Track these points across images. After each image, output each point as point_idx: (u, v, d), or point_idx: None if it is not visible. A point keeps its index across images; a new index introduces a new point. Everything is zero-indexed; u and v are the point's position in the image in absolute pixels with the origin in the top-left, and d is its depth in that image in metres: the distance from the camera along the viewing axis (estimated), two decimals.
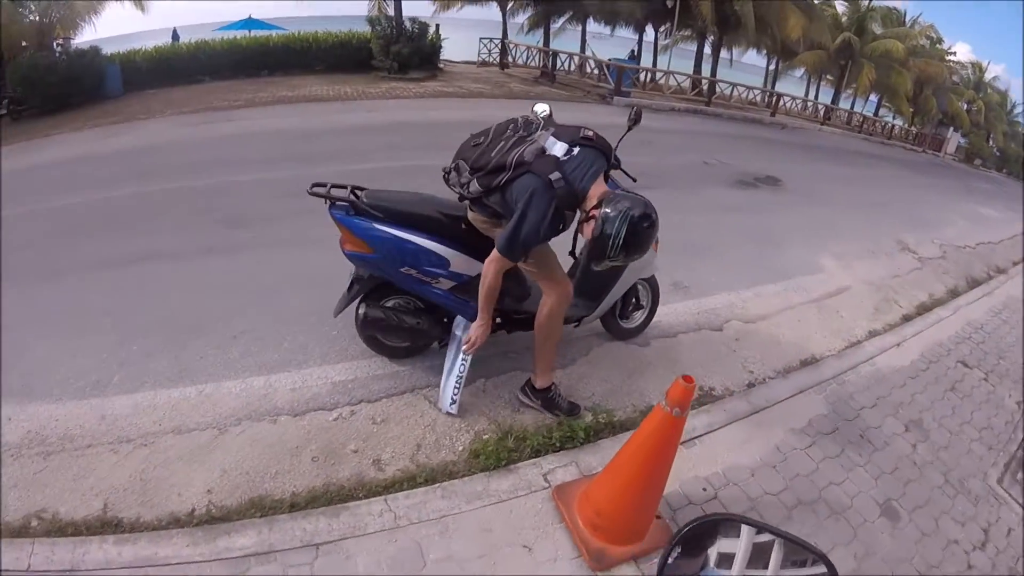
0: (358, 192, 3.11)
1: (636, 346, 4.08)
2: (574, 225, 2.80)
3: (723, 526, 1.69)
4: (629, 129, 3.14)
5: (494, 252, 2.68)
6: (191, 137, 10.10)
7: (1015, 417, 4.29)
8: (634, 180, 3.38)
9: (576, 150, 2.63)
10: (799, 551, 1.60)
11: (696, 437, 3.24)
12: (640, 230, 2.45)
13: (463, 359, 3.10)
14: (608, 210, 2.44)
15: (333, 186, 3.06)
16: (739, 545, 1.60)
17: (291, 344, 3.71)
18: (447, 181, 2.93)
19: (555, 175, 2.54)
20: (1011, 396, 4.55)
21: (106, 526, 2.41)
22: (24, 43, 15.04)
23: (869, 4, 27.94)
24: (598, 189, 2.60)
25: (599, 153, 2.71)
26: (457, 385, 3.13)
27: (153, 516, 2.46)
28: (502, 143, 2.70)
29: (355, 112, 12.17)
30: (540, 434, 3.04)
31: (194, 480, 2.65)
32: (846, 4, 28.49)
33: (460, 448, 2.98)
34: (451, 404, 3.15)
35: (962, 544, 2.98)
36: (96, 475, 2.66)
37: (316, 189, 3.03)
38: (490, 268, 2.72)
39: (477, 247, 3.02)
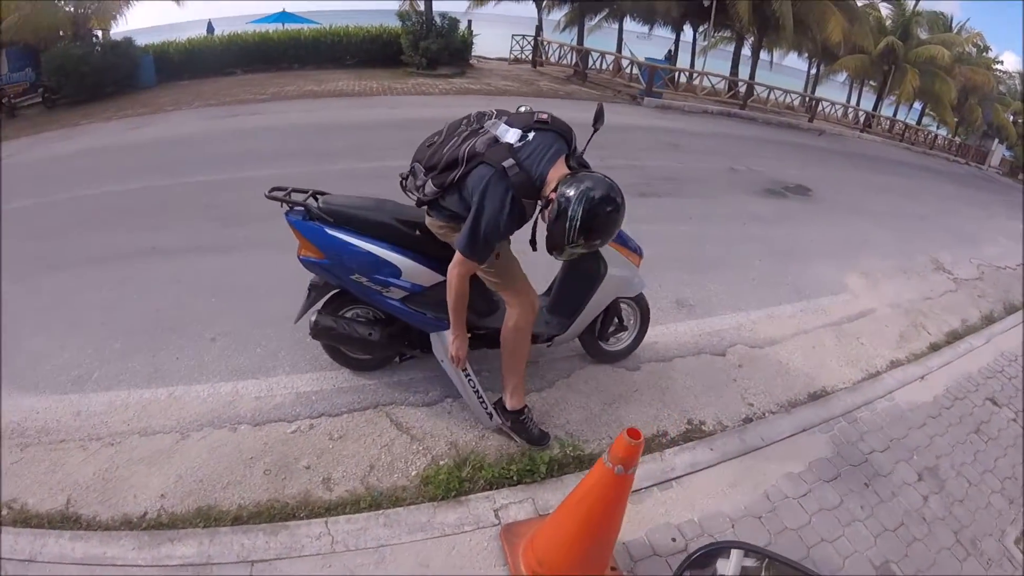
0: (319, 196, 3.03)
1: (624, 370, 3.81)
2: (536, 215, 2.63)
3: (734, 553, 1.64)
4: (596, 130, 2.90)
5: (456, 255, 2.52)
6: (213, 130, 10.29)
7: None
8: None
9: (531, 135, 2.48)
10: None
11: (675, 478, 2.96)
12: (600, 211, 2.28)
13: (464, 376, 2.96)
14: (566, 190, 2.28)
15: (294, 190, 3.01)
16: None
17: (264, 350, 3.69)
18: (403, 187, 2.79)
19: (508, 162, 2.38)
20: None
21: (66, 521, 2.47)
22: (61, 33, 15.43)
23: (915, 8, 26.97)
24: (558, 172, 2.42)
25: (557, 136, 2.53)
26: (481, 400, 3.01)
27: (109, 516, 2.50)
28: (455, 139, 2.55)
29: (377, 108, 12.17)
30: (499, 464, 2.86)
31: (151, 483, 2.67)
32: (891, 7, 27.58)
33: (413, 473, 2.83)
34: (490, 419, 3.04)
35: None
36: (64, 470, 2.72)
37: (274, 193, 2.96)
38: (454, 273, 2.56)
39: (433, 256, 2.91)
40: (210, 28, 21.46)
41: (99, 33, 16.78)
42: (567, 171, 2.42)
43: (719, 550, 1.61)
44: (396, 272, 2.91)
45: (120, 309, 4.11)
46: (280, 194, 2.95)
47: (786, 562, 1.56)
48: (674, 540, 2.60)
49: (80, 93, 14.07)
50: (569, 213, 2.25)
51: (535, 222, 2.62)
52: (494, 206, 2.37)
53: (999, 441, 3.96)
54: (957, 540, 3.02)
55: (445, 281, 2.81)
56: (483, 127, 2.56)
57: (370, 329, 3.11)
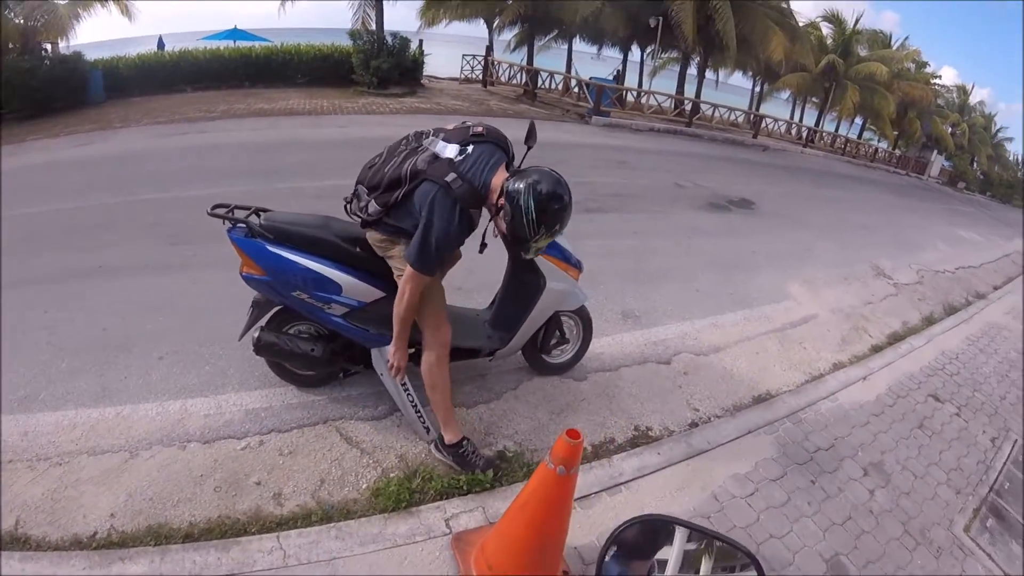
0: (261, 213, 3.03)
1: (571, 380, 3.86)
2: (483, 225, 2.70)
3: (655, 526, 1.74)
4: (529, 147, 2.99)
5: (408, 270, 2.55)
6: (162, 148, 10.09)
7: (988, 456, 4.05)
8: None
9: (470, 148, 2.56)
10: (730, 552, 1.65)
11: (623, 483, 3.01)
12: (551, 198, 2.40)
13: (401, 387, 2.98)
14: (515, 186, 2.39)
15: (236, 207, 3.02)
16: (673, 547, 1.61)
17: (212, 368, 3.64)
18: (347, 211, 2.83)
19: (451, 176, 2.45)
20: (984, 432, 4.32)
21: (15, 542, 2.41)
22: (10, 45, 15.00)
23: (854, 27, 28.27)
24: (500, 178, 2.51)
25: (494, 146, 2.63)
26: (418, 413, 3.01)
27: (58, 536, 2.45)
28: (395, 159, 2.62)
29: (327, 127, 12.09)
30: (448, 475, 2.87)
31: (100, 503, 2.62)
32: (831, 26, 28.88)
33: (364, 486, 2.82)
34: (427, 433, 3.03)
35: None
36: (12, 491, 2.66)
37: (217, 210, 2.96)
38: (407, 287, 2.59)
39: (374, 273, 2.94)
40: (161, 44, 21.10)
41: (48, 46, 16.33)
42: (508, 174, 2.51)
43: (644, 525, 1.66)
44: (337, 289, 2.91)
45: (66, 328, 4.02)
46: (222, 211, 2.95)
47: (708, 532, 1.65)
48: None
49: (28, 107, 13.64)
50: (523, 208, 2.36)
51: (484, 231, 2.68)
52: (443, 219, 2.43)
53: (943, 435, 4.14)
54: (906, 531, 3.14)
55: (385, 297, 2.90)
56: (422, 145, 2.62)
57: (312, 345, 3.10)
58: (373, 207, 2.62)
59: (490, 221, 2.63)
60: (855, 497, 3.28)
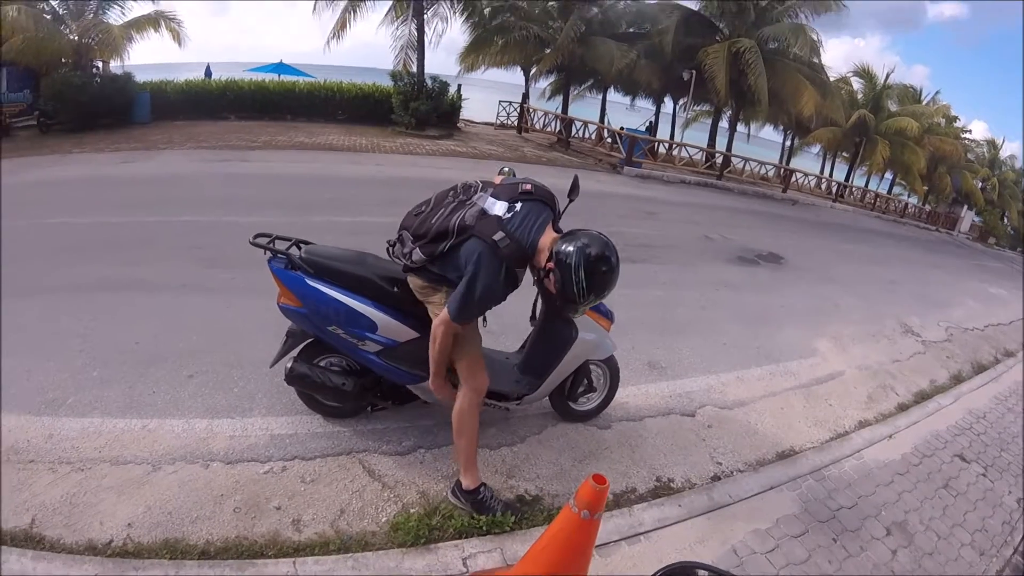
0: (301, 245, 3.12)
1: (595, 428, 3.84)
2: (527, 286, 2.74)
3: (698, 574, 1.70)
4: (571, 200, 3.05)
5: (444, 315, 2.59)
6: (203, 172, 10.40)
7: (1014, 517, 3.93)
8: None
9: (518, 206, 2.59)
10: None
11: (643, 532, 2.99)
12: (600, 265, 2.40)
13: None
14: (565, 251, 2.40)
15: (278, 238, 3.11)
16: None
17: (240, 391, 3.69)
18: (390, 253, 2.89)
19: (499, 235, 2.48)
20: (1011, 493, 4.20)
21: (29, 540, 2.45)
22: (63, 60, 15.58)
23: (885, 82, 28.31)
24: (548, 239, 2.54)
25: (542, 205, 2.66)
26: None
27: (73, 539, 2.48)
28: (442, 210, 2.65)
29: (364, 164, 12.33)
30: (468, 515, 2.86)
31: (118, 512, 2.65)
32: (862, 81, 28.93)
33: (383, 519, 2.82)
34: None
35: None
36: (31, 490, 2.71)
37: (258, 239, 3.05)
38: (439, 331, 2.64)
39: (409, 313, 2.98)
40: (208, 72, 21.87)
41: (100, 64, 17.06)
42: (556, 235, 2.54)
43: (684, 571, 1.64)
44: (373, 326, 2.97)
45: (99, 338, 4.11)
46: (264, 241, 3.04)
47: None
48: None
49: (75, 121, 14.19)
50: (573, 273, 2.36)
51: (535, 300, 2.78)
52: (488, 276, 2.47)
53: (968, 496, 4.04)
54: None
55: (419, 337, 2.94)
56: (470, 199, 2.65)
57: (344, 379, 3.14)
58: (418, 255, 2.66)
59: (535, 282, 2.67)
60: (877, 557, 3.21)
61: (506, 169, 3.22)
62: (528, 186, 2.66)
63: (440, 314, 2.62)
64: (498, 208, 2.56)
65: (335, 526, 2.74)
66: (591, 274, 2.37)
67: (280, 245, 3.08)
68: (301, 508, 2.81)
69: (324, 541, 2.64)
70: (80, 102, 14.21)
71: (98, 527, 2.55)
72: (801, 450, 4.12)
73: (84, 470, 2.87)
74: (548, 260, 2.46)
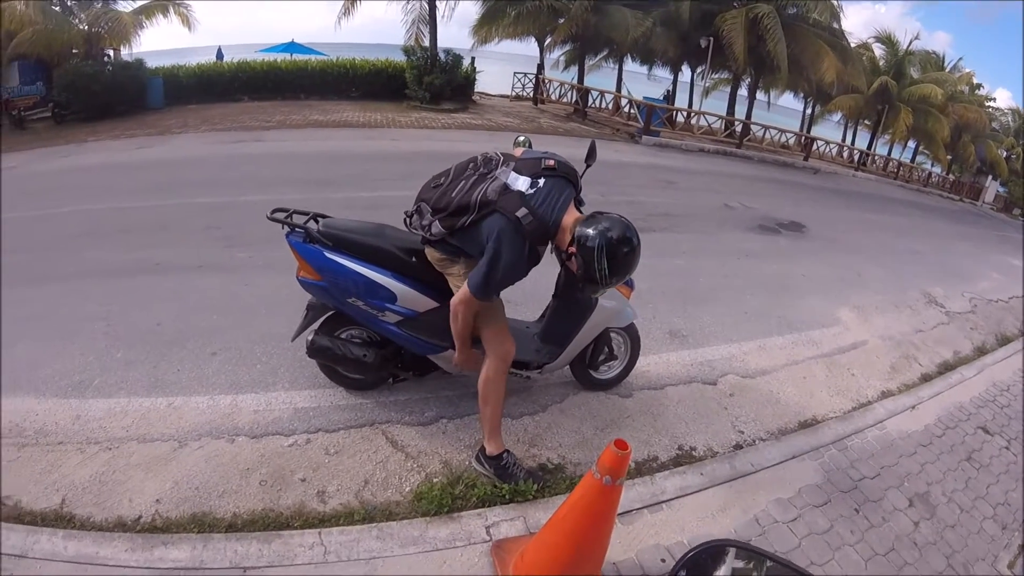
0: (319, 219, 3.11)
1: (617, 396, 3.85)
2: (551, 269, 2.75)
3: (729, 552, 1.66)
4: (588, 166, 3.02)
5: (465, 292, 2.59)
6: (218, 154, 10.45)
7: None
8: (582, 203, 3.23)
9: (541, 182, 2.55)
10: None
11: (665, 501, 2.99)
12: (621, 248, 2.38)
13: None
14: (587, 234, 2.39)
15: (295, 212, 3.10)
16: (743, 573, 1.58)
17: (263, 366, 3.73)
18: (408, 224, 2.86)
19: (522, 211, 2.45)
20: None
21: (60, 520, 2.50)
22: (75, 50, 15.70)
23: (908, 48, 27.63)
24: (571, 218, 2.51)
25: (565, 181, 2.63)
26: None
27: (103, 517, 2.52)
28: (462, 182, 2.61)
29: (380, 140, 12.34)
30: (492, 483, 2.88)
31: (146, 488, 2.69)
32: (884, 48, 28.23)
33: (407, 489, 2.86)
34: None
35: None
36: (61, 471, 2.76)
37: (276, 214, 3.04)
38: (460, 308, 2.66)
39: (428, 283, 2.98)
40: (219, 55, 21.87)
41: (111, 52, 17.11)
42: (579, 215, 2.53)
43: (716, 550, 1.63)
44: (392, 297, 2.97)
45: (122, 321, 4.18)
46: (281, 216, 3.03)
47: (783, 562, 1.59)
48: (663, 561, 2.62)
49: (89, 110, 14.33)
50: (596, 257, 2.35)
51: (558, 278, 2.80)
52: (511, 253, 2.45)
53: (991, 468, 4.00)
54: (949, 565, 3.04)
55: (439, 307, 2.95)
56: (492, 172, 2.61)
57: (365, 351, 3.15)
58: (437, 228, 2.63)
59: (561, 263, 2.68)
60: (899, 528, 3.20)
61: (521, 139, 3.19)
62: (551, 162, 2.62)
63: (461, 291, 2.62)
64: (521, 183, 2.53)
65: (360, 496, 2.78)
66: (613, 258, 2.37)
67: (297, 220, 3.07)
68: (326, 480, 2.85)
69: (349, 511, 2.67)
70: (93, 91, 14.35)
71: (127, 504, 2.60)
72: (823, 419, 4.09)
73: (112, 449, 2.92)
74: (571, 244, 2.44)
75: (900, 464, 3.76)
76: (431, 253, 2.83)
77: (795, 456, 3.59)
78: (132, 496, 2.64)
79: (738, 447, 3.60)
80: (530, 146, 3.17)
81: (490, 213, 2.50)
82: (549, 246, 2.68)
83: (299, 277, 3.08)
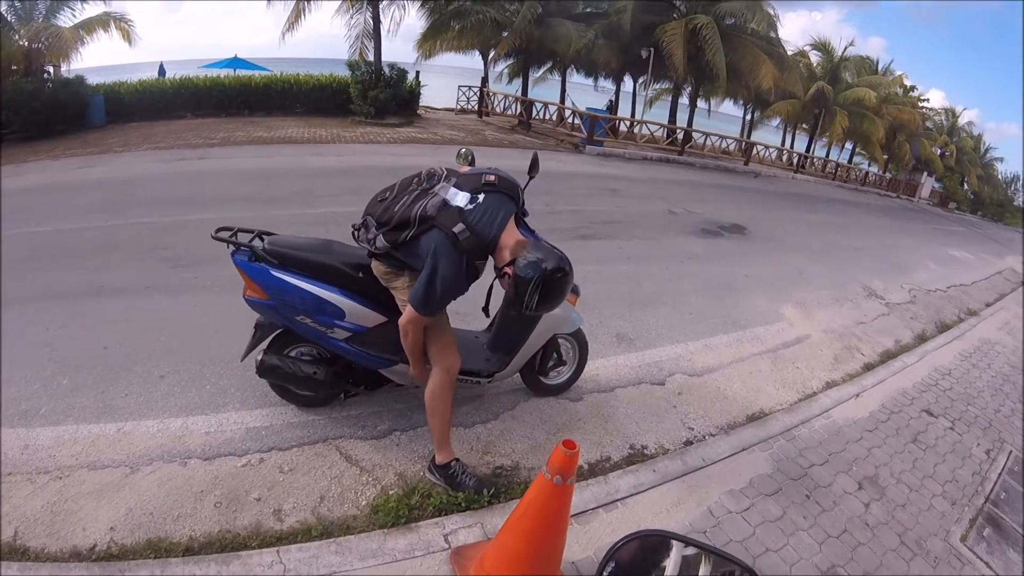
0: (264, 237, 3.08)
1: (567, 401, 3.91)
2: (487, 279, 2.75)
3: (653, 542, 1.73)
4: (531, 178, 3.09)
5: (409, 310, 2.63)
6: (161, 172, 10.17)
7: (983, 467, 4.09)
8: (532, 232, 3.21)
9: (481, 197, 2.57)
10: (728, 566, 1.68)
11: (619, 499, 3.06)
12: (554, 281, 2.39)
13: None
14: (522, 264, 2.38)
15: (240, 230, 3.07)
16: (670, 562, 1.62)
17: (213, 387, 3.68)
18: (356, 238, 2.87)
19: (459, 227, 2.48)
20: (979, 445, 4.37)
21: (13, 553, 2.42)
22: (14, 67, 15.04)
23: (842, 54, 28.83)
24: (510, 236, 2.54)
25: (506, 197, 2.64)
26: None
27: (57, 548, 2.47)
28: (406, 197, 2.65)
29: (325, 155, 12.21)
30: (447, 493, 2.90)
31: (100, 516, 2.64)
32: (819, 54, 29.43)
33: (363, 503, 2.85)
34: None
35: None
36: (12, 503, 2.67)
37: (220, 234, 3.00)
38: (409, 327, 2.69)
39: (376, 298, 2.98)
40: (162, 71, 21.36)
41: (51, 69, 16.42)
42: (519, 235, 2.56)
43: (643, 541, 1.68)
44: (340, 313, 2.96)
45: (68, 346, 4.06)
46: (226, 235, 2.99)
47: (710, 549, 1.66)
48: None
49: (29, 129, 13.69)
50: (528, 288, 2.36)
51: (489, 290, 2.78)
52: (448, 270, 2.48)
53: (937, 448, 4.19)
54: (902, 542, 3.17)
55: (387, 322, 2.96)
56: (433, 188, 2.63)
57: (315, 368, 3.14)
58: (381, 242, 2.65)
59: (496, 279, 2.67)
60: (850, 510, 3.32)
61: (463, 151, 3.23)
62: (492, 177, 2.64)
63: (407, 310, 2.65)
64: (460, 199, 2.55)
65: (316, 513, 2.75)
66: (545, 292, 2.39)
67: (243, 238, 3.04)
68: (281, 498, 2.82)
69: (306, 528, 2.65)
70: (33, 109, 13.77)
71: (81, 533, 2.54)
72: (771, 412, 4.24)
73: (62, 478, 2.85)
74: (508, 264, 2.46)
75: (848, 450, 3.92)
76: (376, 267, 2.85)
77: (745, 448, 3.71)
78: (86, 525, 2.58)
79: (689, 443, 3.70)
80: (472, 159, 3.21)
81: (429, 228, 2.52)
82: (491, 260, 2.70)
83: (246, 296, 3.04)
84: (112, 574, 2.33)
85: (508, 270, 2.45)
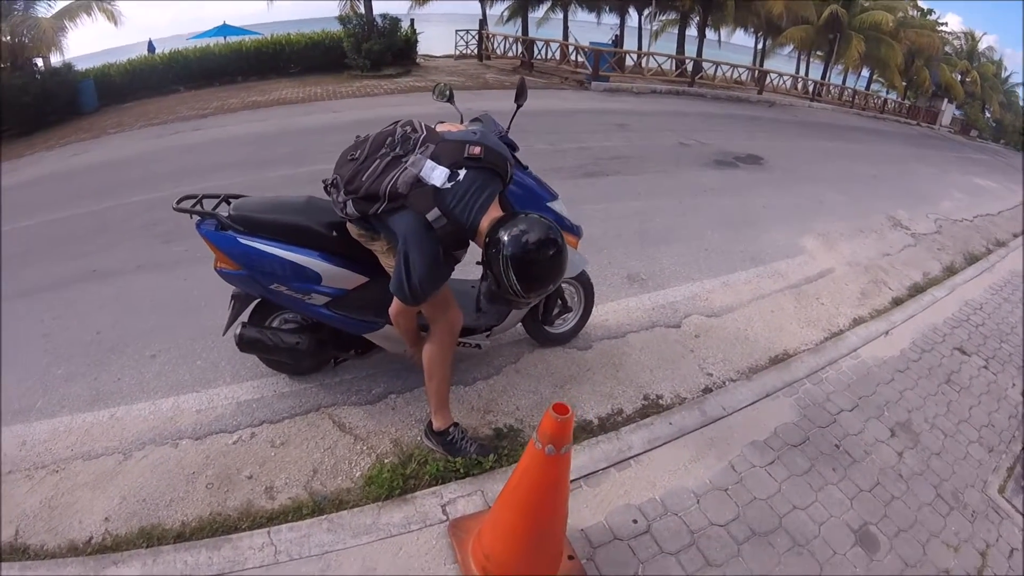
0: (231, 200, 2.85)
1: (575, 350, 3.68)
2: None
3: None
4: (519, 107, 2.78)
5: (397, 304, 2.42)
6: (155, 149, 10.04)
7: (1019, 410, 3.82)
8: (525, 168, 2.98)
9: (461, 174, 2.23)
10: None
11: (632, 457, 2.84)
12: (537, 255, 2.03)
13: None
14: (496, 239, 2.04)
15: (204, 196, 2.83)
16: None
17: (204, 362, 3.57)
18: (328, 192, 2.56)
19: (433, 213, 2.17)
20: (1015, 385, 4.10)
21: (15, 552, 2.40)
22: (0, 64, 15.04)
23: None
24: (491, 219, 2.19)
25: (491, 174, 2.30)
26: None
27: (55, 544, 2.43)
28: (376, 162, 2.32)
29: (320, 113, 11.91)
30: (445, 458, 2.73)
31: (95, 507, 2.59)
32: None
33: (357, 474, 2.71)
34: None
35: (954, 573, 2.58)
36: (12, 502, 2.64)
37: (182, 204, 2.76)
38: (399, 319, 2.52)
39: (354, 257, 2.73)
40: (151, 47, 21.02)
41: (39, 61, 16.34)
42: (498, 212, 2.24)
43: None
44: (317, 278, 2.73)
45: (61, 336, 3.98)
46: (189, 204, 2.75)
47: None
48: (635, 522, 2.49)
49: (22, 124, 13.69)
50: (503, 271, 2.02)
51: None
52: (423, 259, 2.19)
53: (971, 390, 3.94)
54: (938, 495, 2.97)
55: (368, 282, 2.75)
56: (407, 155, 2.31)
57: (298, 337, 2.94)
58: (351, 209, 2.37)
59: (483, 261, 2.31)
60: (883, 460, 3.11)
61: (440, 86, 2.95)
62: (476, 149, 2.27)
63: (392, 304, 2.44)
64: (436, 176, 2.22)
65: (308, 488, 2.63)
66: (523, 269, 2.02)
67: (209, 204, 2.80)
68: (273, 474, 2.71)
69: (298, 506, 2.53)
70: (23, 103, 13.75)
71: (77, 526, 2.50)
72: (795, 353, 3.98)
73: (59, 471, 2.79)
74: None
75: (878, 393, 3.68)
76: (352, 228, 2.58)
77: (768, 395, 3.47)
78: (82, 517, 2.54)
79: (707, 391, 3.47)
80: (451, 95, 2.93)
81: (400, 207, 2.23)
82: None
83: (217, 268, 2.83)
84: (106, 568, 2.27)
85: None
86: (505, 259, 2.00)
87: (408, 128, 2.40)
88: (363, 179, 2.30)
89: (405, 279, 2.22)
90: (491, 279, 2.10)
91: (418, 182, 2.22)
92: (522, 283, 2.03)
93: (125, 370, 3.51)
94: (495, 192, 2.29)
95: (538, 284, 2.09)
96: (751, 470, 2.87)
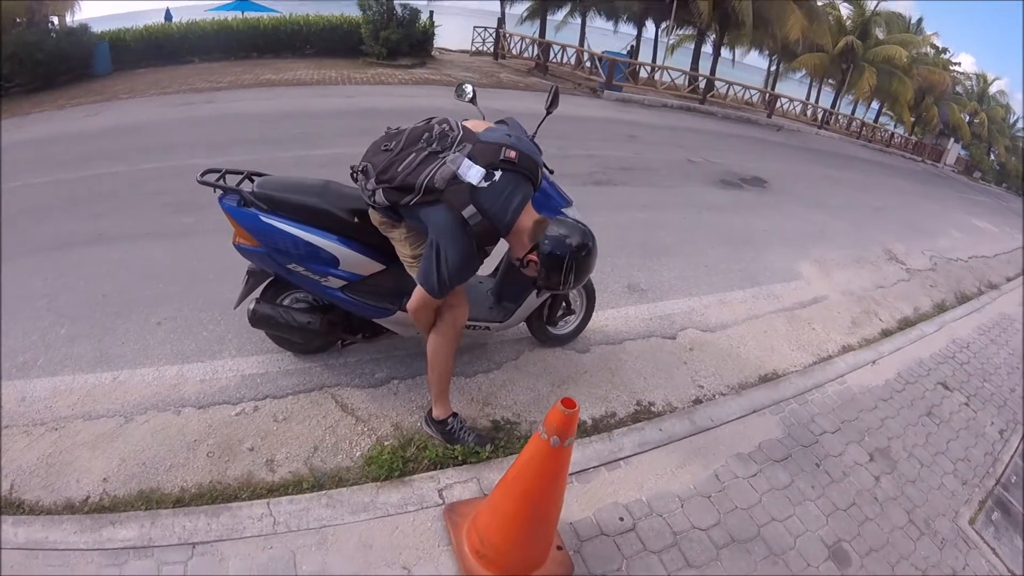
0: (255, 178, 2.90)
1: (574, 352, 3.79)
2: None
3: None
4: (548, 112, 2.87)
5: (422, 295, 2.47)
6: (167, 118, 9.98)
7: (995, 447, 3.96)
8: (551, 171, 3.08)
9: (497, 175, 2.32)
10: None
11: (623, 458, 2.95)
12: (585, 253, 2.36)
13: None
14: (548, 245, 2.32)
15: (228, 171, 2.86)
16: None
17: (210, 334, 3.60)
18: (354, 179, 2.64)
19: (469, 210, 2.26)
20: (993, 424, 4.22)
21: (9, 506, 2.41)
22: (18, 20, 14.89)
23: (874, 8, 27.64)
24: (527, 220, 2.35)
25: (523, 179, 2.40)
26: None
27: (51, 500, 2.45)
28: (412, 155, 2.39)
29: (334, 96, 11.91)
30: (443, 445, 2.82)
31: (94, 467, 2.61)
32: (850, 7, 28.20)
33: (357, 454, 2.77)
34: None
35: None
36: (8, 456, 2.65)
37: (207, 177, 2.80)
38: (419, 314, 2.58)
39: (372, 245, 2.81)
40: (168, 16, 20.91)
41: (55, 19, 16.23)
42: (536, 216, 2.40)
43: None
44: (334, 261, 2.80)
45: (66, 295, 3.98)
46: (212, 178, 2.79)
47: None
48: (621, 519, 2.59)
49: (34, 81, 13.54)
50: (563, 269, 2.33)
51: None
52: (456, 254, 2.31)
53: (951, 424, 4.05)
54: (910, 520, 3.06)
55: (384, 270, 2.83)
56: (444, 152, 2.38)
57: (309, 317, 3.00)
58: (380, 197, 2.43)
59: (519, 264, 2.52)
60: (860, 483, 3.21)
61: (467, 88, 3.02)
62: (512, 153, 2.36)
63: (417, 294, 2.50)
64: (473, 175, 2.30)
65: (309, 463, 2.69)
66: (579, 267, 2.37)
67: (232, 180, 2.85)
68: (274, 447, 2.76)
69: (298, 480, 2.59)
70: (37, 60, 13.56)
71: (75, 485, 2.52)
72: (784, 373, 4.09)
73: (58, 429, 2.81)
74: (530, 251, 2.35)
75: (860, 418, 3.78)
76: (374, 215, 2.66)
77: (755, 411, 3.58)
78: (80, 476, 2.56)
79: (698, 402, 3.57)
80: (474, 95, 3.00)
81: (435, 201, 2.32)
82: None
83: (235, 243, 2.89)
84: (103, 527, 2.30)
85: (532, 257, 2.34)
86: (568, 260, 2.32)
87: (445, 126, 2.47)
88: (398, 170, 2.37)
89: (435, 270, 2.32)
90: (542, 273, 2.38)
91: (454, 179, 2.30)
92: (577, 277, 2.38)
93: (130, 335, 3.53)
94: (528, 195, 2.42)
95: (582, 278, 2.43)
96: (734, 480, 2.97)
